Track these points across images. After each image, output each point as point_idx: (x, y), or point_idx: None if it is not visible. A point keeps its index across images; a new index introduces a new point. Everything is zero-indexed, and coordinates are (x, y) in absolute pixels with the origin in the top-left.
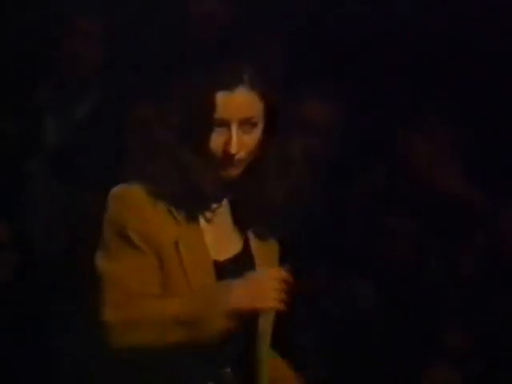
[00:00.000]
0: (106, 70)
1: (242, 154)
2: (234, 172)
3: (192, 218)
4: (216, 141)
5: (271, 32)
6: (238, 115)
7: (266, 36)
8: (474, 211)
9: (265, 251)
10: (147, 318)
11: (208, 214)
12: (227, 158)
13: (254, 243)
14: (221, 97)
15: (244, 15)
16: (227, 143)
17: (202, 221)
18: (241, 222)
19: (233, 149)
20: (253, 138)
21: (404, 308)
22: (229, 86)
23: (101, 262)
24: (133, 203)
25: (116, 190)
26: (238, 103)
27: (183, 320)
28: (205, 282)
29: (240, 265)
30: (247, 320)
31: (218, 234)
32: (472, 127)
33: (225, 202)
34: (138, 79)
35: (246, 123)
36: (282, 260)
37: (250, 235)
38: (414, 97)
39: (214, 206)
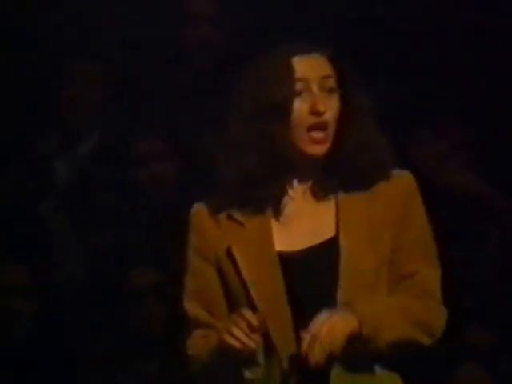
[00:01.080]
0: (108, 107)
1: (328, 117)
2: (325, 142)
3: (257, 212)
4: (301, 108)
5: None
6: (317, 73)
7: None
8: (488, 209)
9: (360, 235)
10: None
11: (287, 203)
12: (316, 119)
13: (344, 223)
14: (297, 60)
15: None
16: (313, 104)
17: (273, 212)
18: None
19: (320, 106)
20: (334, 103)
21: None
22: (303, 51)
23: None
24: (195, 223)
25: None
26: (315, 62)
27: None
28: (265, 281)
29: (319, 256)
30: None
31: (299, 221)
32: (481, 126)
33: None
34: (139, 114)
35: (325, 86)
36: None
37: (343, 211)
38: (425, 97)
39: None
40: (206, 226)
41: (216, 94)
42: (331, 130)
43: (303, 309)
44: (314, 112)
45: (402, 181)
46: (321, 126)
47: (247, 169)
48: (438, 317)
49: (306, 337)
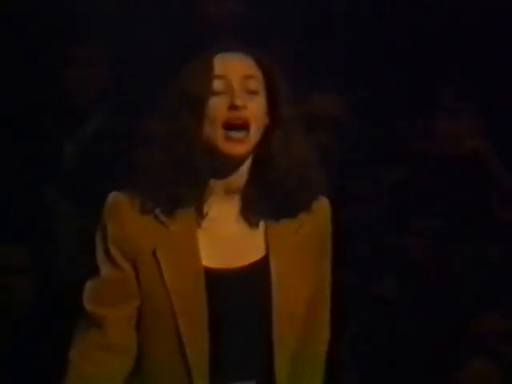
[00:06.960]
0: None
1: (248, 115)
2: (243, 142)
3: (184, 219)
4: (218, 105)
5: (275, 30)
6: (238, 71)
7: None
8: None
9: (290, 261)
10: None
11: (214, 212)
12: (234, 113)
13: (274, 247)
14: (219, 58)
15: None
16: (232, 99)
17: (204, 222)
18: (252, 216)
19: (238, 101)
20: (256, 105)
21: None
22: (226, 50)
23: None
24: (115, 212)
25: (107, 198)
26: (237, 61)
27: None
28: (187, 292)
29: (249, 278)
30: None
31: (227, 237)
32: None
33: (237, 198)
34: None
35: (246, 86)
36: None
37: (271, 235)
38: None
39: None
40: (127, 219)
41: None
42: (252, 132)
43: (222, 329)
44: (232, 106)
45: (320, 210)
46: (239, 123)
47: (159, 166)
48: None
49: None
